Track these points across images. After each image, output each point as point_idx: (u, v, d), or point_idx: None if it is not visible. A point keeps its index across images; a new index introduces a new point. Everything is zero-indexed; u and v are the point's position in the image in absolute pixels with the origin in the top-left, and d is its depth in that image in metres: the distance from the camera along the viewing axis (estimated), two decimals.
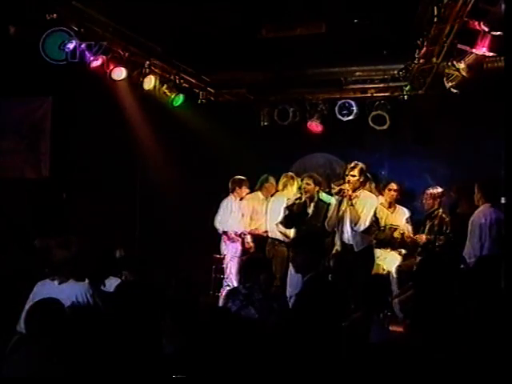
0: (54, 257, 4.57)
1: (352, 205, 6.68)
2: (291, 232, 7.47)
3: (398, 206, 7.75)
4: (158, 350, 3.62)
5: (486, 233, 5.92)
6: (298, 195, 7.43)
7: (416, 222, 7.59)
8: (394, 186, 7.67)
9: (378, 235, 7.17)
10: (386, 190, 7.68)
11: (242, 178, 8.19)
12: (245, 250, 8.03)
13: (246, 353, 3.34)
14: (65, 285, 4.40)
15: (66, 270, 4.41)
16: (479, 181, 6.31)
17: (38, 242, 6.30)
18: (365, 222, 6.71)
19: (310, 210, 7.24)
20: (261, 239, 8.06)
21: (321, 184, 7.38)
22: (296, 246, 4.52)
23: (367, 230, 6.77)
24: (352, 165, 6.85)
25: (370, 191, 7.20)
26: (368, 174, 7.18)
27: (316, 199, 7.27)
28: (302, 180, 7.49)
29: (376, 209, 6.99)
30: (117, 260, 5.63)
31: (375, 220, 6.99)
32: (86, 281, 4.49)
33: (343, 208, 6.75)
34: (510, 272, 3.37)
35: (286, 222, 7.40)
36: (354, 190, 6.76)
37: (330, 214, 6.90)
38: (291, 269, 6.93)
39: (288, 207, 7.38)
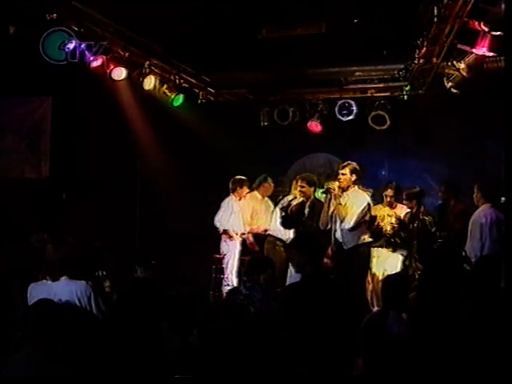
0: (48, 256, 4.56)
1: (340, 203, 6.70)
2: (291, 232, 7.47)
3: (397, 204, 7.71)
4: (160, 348, 3.63)
5: (487, 232, 5.91)
6: (293, 196, 7.45)
7: None
8: (389, 192, 7.55)
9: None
10: (383, 195, 7.63)
11: (243, 178, 8.18)
12: (245, 250, 8.02)
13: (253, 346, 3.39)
14: (63, 284, 4.39)
15: (62, 269, 4.40)
16: (478, 181, 6.30)
17: (35, 238, 6.28)
18: (350, 221, 6.71)
19: (306, 211, 7.24)
20: (260, 238, 8.07)
21: (315, 184, 7.35)
22: (291, 246, 4.56)
23: (356, 229, 6.74)
24: (344, 164, 6.87)
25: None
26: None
27: (312, 199, 7.25)
28: (296, 181, 7.49)
29: (369, 208, 6.95)
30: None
31: (368, 219, 6.94)
32: (83, 279, 4.49)
33: (332, 206, 6.77)
34: (511, 272, 3.38)
35: (285, 223, 7.41)
36: (347, 189, 6.78)
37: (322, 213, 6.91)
38: (291, 268, 6.95)
39: (283, 208, 7.38)
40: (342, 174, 6.79)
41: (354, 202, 6.77)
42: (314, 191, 7.31)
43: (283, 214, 7.36)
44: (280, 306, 4.32)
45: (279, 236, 7.68)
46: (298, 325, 3.84)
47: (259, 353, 3.53)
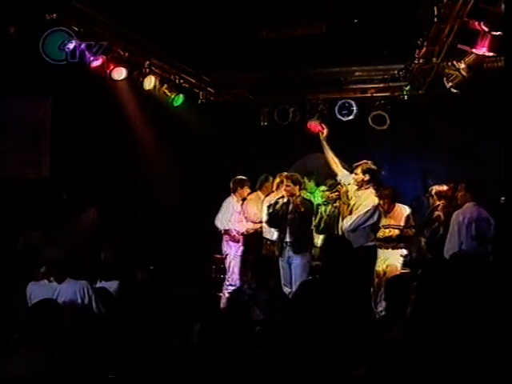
0: (46, 256, 4.56)
1: (344, 203, 6.72)
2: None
3: (396, 204, 7.68)
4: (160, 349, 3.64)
5: (464, 231, 5.97)
6: (280, 195, 7.44)
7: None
8: (385, 192, 7.56)
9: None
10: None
11: (244, 178, 8.15)
12: (247, 250, 7.96)
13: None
14: (66, 284, 4.39)
15: (61, 269, 4.40)
16: (466, 181, 6.36)
17: (23, 237, 6.27)
18: (347, 221, 6.71)
19: (290, 209, 7.21)
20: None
21: (300, 183, 7.33)
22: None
23: (355, 230, 6.73)
24: (358, 163, 6.90)
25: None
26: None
27: (297, 197, 7.22)
28: (281, 181, 7.48)
29: (375, 211, 6.93)
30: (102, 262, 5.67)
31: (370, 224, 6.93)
32: (83, 280, 4.49)
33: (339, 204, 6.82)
34: (509, 270, 3.38)
35: (271, 221, 7.40)
36: (359, 189, 6.80)
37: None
38: (284, 265, 6.96)
39: (269, 207, 7.39)
40: (355, 174, 6.84)
41: (361, 203, 6.77)
42: (300, 190, 7.29)
43: (270, 211, 7.37)
44: (290, 301, 4.32)
45: (272, 238, 7.59)
46: (303, 322, 3.84)
47: (261, 352, 3.53)
